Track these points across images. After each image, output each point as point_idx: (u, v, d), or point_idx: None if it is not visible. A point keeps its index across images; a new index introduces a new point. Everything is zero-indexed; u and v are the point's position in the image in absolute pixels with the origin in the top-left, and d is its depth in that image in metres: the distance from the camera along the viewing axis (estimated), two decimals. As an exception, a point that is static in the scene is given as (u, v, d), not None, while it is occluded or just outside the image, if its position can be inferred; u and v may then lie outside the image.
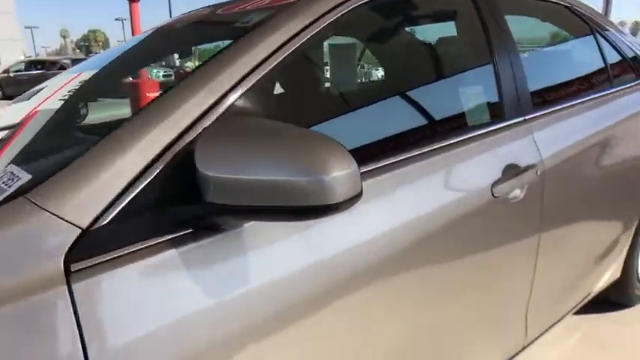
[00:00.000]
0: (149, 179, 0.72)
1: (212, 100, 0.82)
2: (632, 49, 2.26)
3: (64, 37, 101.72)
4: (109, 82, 1.49)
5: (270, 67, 0.89)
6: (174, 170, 0.74)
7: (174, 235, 0.72)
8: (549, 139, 1.44)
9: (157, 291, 0.69)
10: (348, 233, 0.92)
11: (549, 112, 1.49)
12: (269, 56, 0.90)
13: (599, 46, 1.98)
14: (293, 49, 0.93)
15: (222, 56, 0.89)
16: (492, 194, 1.18)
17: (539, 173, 1.32)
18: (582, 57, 2.00)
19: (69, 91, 1.27)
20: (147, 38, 1.50)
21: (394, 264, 0.99)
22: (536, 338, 1.56)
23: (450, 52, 1.55)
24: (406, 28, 1.71)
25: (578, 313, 1.88)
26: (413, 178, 1.05)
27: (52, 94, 1.29)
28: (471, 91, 1.31)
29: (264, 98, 0.91)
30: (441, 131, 1.22)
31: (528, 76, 1.49)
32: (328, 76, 2.26)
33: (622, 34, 2.24)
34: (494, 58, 1.37)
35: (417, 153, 1.08)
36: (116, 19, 63.16)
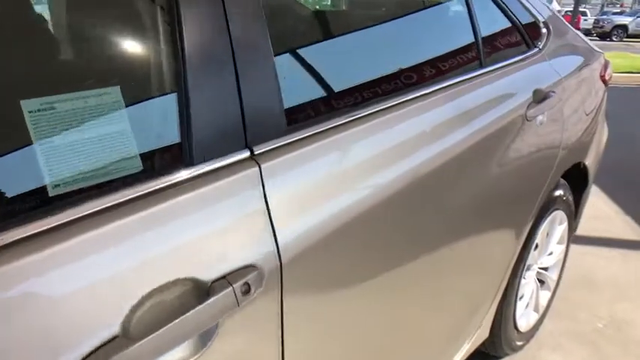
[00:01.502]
0: None
1: None
2: (525, 8, 1.58)
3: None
4: None
5: None
6: None
7: None
8: (301, 190, 0.73)
9: None
10: None
11: (328, 130, 0.78)
12: None
13: (467, 3, 1.28)
14: None
15: None
16: None
17: (256, 291, 0.62)
18: (431, 20, 1.28)
19: None
20: None
21: None
22: None
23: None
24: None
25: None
26: None
27: None
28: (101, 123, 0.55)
29: None
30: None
31: (314, 65, 0.79)
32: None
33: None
34: (181, 51, 0.62)
35: None
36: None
